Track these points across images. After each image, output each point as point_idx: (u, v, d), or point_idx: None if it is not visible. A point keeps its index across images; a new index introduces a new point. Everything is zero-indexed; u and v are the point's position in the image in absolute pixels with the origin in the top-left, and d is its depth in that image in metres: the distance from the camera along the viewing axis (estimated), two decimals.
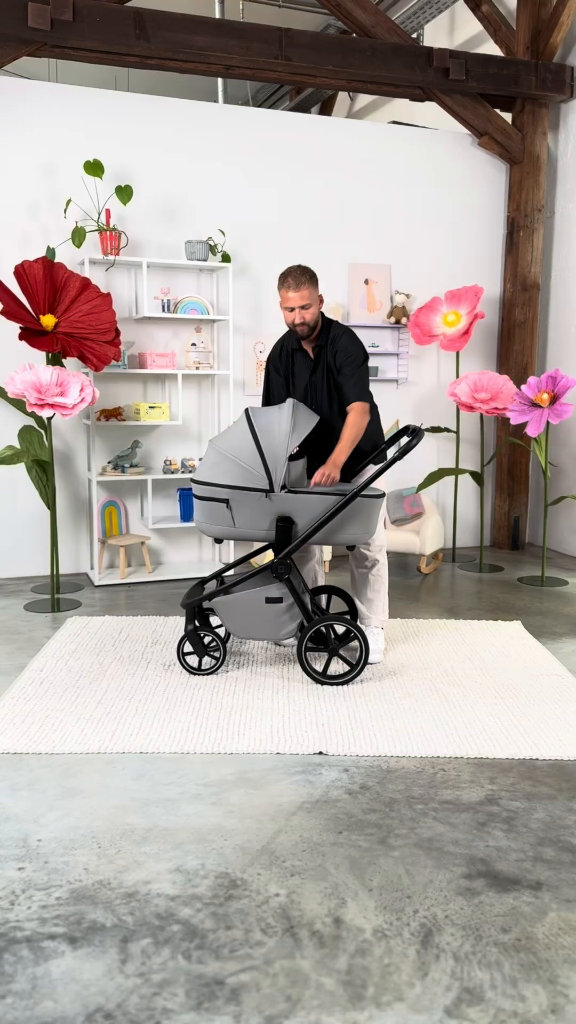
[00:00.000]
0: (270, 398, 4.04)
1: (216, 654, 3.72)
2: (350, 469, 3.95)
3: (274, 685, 3.60)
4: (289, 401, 3.60)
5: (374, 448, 3.96)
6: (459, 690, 3.57)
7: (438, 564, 5.89)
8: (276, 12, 8.10)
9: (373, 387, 6.19)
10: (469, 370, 6.43)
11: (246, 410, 3.61)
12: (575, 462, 6.17)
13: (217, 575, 3.93)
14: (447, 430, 5.79)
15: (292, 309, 3.74)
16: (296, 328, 3.79)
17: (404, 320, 6.07)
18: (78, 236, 5.00)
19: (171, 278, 5.59)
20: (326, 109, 9.62)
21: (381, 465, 3.67)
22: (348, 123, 5.97)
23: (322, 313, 3.87)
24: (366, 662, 3.64)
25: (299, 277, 3.72)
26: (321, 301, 3.79)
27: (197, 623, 3.79)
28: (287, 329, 3.93)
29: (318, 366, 3.87)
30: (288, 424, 3.52)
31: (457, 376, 5.87)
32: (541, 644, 4.20)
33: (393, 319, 6.07)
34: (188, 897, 2.15)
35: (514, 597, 5.09)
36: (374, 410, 3.94)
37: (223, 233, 5.47)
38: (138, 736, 3.07)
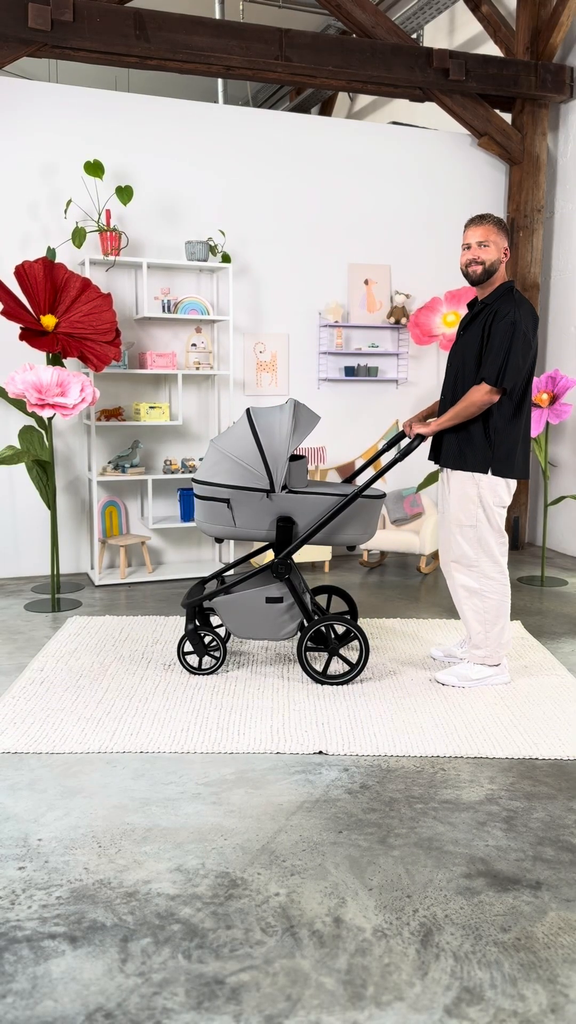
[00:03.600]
0: None
1: (216, 654, 3.72)
2: (440, 448, 3.63)
3: (274, 685, 3.60)
4: (290, 401, 3.60)
5: (483, 447, 3.50)
6: (459, 690, 3.57)
7: (438, 564, 5.89)
8: (276, 12, 8.11)
9: (373, 387, 6.19)
10: None
11: (247, 410, 3.62)
12: (575, 462, 6.17)
13: (217, 575, 3.93)
14: None
15: (468, 246, 3.48)
16: (468, 268, 3.47)
17: (404, 320, 6.07)
18: (78, 236, 5.00)
19: (171, 278, 5.59)
20: (326, 110, 9.63)
21: (383, 466, 3.66)
22: (348, 123, 5.98)
23: (512, 284, 3.51)
24: (366, 662, 3.64)
25: (485, 216, 3.49)
26: (506, 254, 3.48)
27: (197, 623, 3.79)
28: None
29: (472, 323, 3.53)
30: (289, 425, 3.52)
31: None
32: (541, 644, 4.20)
33: (393, 319, 6.07)
34: (188, 897, 2.15)
35: (514, 597, 5.09)
36: (518, 414, 3.50)
37: (223, 233, 5.47)
38: (138, 736, 3.07)
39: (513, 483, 3.57)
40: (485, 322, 3.45)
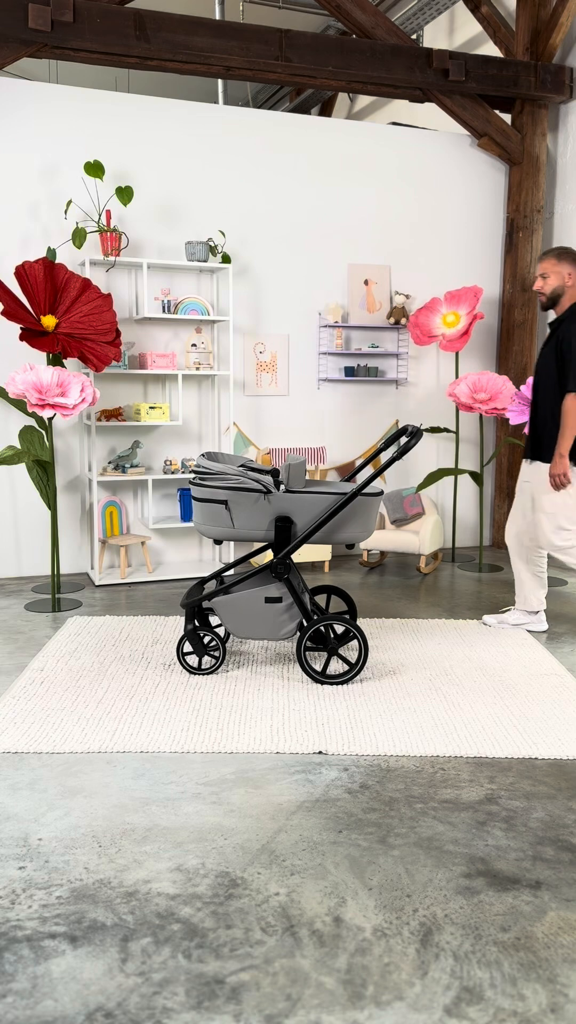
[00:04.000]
0: None
1: (216, 654, 3.72)
2: (540, 444, 4.17)
3: (274, 685, 3.61)
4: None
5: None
6: (459, 690, 3.58)
7: (438, 564, 5.89)
8: (276, 13, 8.11)
9: (373, 387, 6.20)
10: (468, 370, 6.44)
11: (203, 455, 3.79)
12: None
13: (217, 575, 3.94)
14: (446, 430, 5.80)
15: (536, 279, 4.16)
16: (539, 298, 4.26)
17: (404, 321, 6.08)
18: (78, 237, 5.01)
19: (171, 279, 5.60)
20: (326, 110, 9.63)
21: (382, 465, 3.67)
22: (348, 124, 5.98)
23: None
24: (365, 662, 3.64)
25: (546, 252, 4.12)
26: (570, 278, 4.07)
27: (197, 623, 3.79)
28: None
29: (550, 339, 4.14)
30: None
31: (456, 376, 5.88)
32: (541, 644, 4.21)
33: (393, 320, 6.07)
34: (188, 896, 2.15)
35: (514, 597, 5.10)
36: None
37: (223, 234, 5.48)
38: (138, 735, 3.08)
39: None
40: (557, 338, 4.07)
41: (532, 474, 4.22)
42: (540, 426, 4.16)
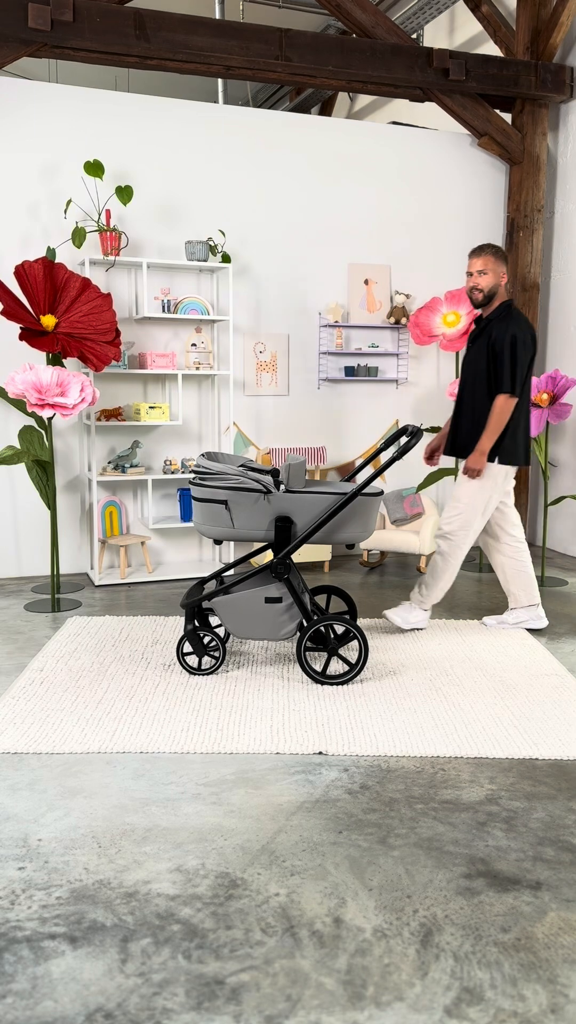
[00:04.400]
0: None
1: (216, 654, 3.72)
2: (458, 441, 4.26)
3: (274, 685, 3.60)
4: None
5: (504, 452, 4.14)
6: (459, 690, 3.57)
7: None
8: (276, 12, 8.11)
9: (373, 387, 6.19)
10: None
11: (203, 455, 3.79)
12: (575, 462, 6.17)
13: (217, 575, 3.93)
14: None
15: (471, 274, 4.10)
16: (471, 294, 4.12)
17: (404, 320, 6.07)
18: (78, 236, 5.00)
19: (171, 278, 5.59)
20: (326, 110, 9.63)
21: (381, 465, 3.68)
22: (348, 123, 5.97)
23: (511, 302, 4.14)
24: (365, 662, 3.64)
25: (484, 247, 4.09)
26: (503, 278, 4.10)
27: (197, 623, 3.79)
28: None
29: (479, 336, 4.16)
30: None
31: (457, 376, 5.88)
32: (541, 644, 4.20)
33: (393, 319, 6.07)
34: (188, 897, 2.15)
35: None
36: (517, 411, 4.13)
37: (223, 233, 5.47)
38: (138, 736, 3.07)
39: (513, 470, 4.20)
40: (489, 337, 4.07)
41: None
42: (465, 424, 4.20)
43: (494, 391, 4.08)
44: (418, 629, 4.38)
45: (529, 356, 4.05)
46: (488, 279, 4.06)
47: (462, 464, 4.27)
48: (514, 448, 4.12)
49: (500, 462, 4.10)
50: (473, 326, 4.26)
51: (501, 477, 4.14)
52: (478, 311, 4.20)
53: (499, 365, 4.02)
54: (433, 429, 5.60)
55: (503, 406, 4.02)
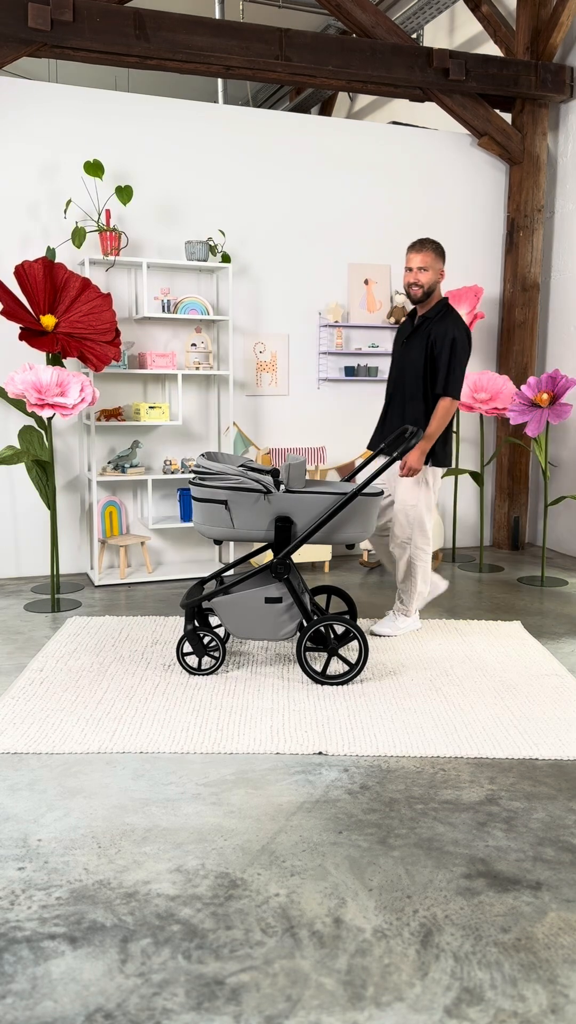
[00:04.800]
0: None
1: (215, 654, 3.72)
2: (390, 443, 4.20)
3: (274, 685, 3.60)
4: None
5: (436, 453, 4.15)
6: (459, 690, 3.57)
7: (438, 564, 5.89)
8: (276, 12, 8.11)
9: (373, 387, 6.19)
10: (469, 370, 6.43)
11: (203, 455, 3.78)
12: (575, 462, 6.17)
13: (217, 575, 3.93)
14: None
15: (410, 269, 4.04)
16: (410, 289, 4.07)
17: (404, 320, 6.07)
18: (78, 236, 5.00)
19: (171, 278, 5.59)
20: (326, 109, 9.63)
21: (380, 465, 3.68)
22: (348, 123, 5.97)
23: (447, 300, 4.14)
24: (365, 662, 3.64)
25: (425, 243, 4.04)
26: (442, 275, 4.08)
27: (196, 623, 3.79)
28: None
29: (415, 334, 4.14)
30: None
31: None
32: (541, 644, 4.20)
33: (393, 319, 6.07)
34: (188, 897, 2.15)
35: (514, 597, 5.09)
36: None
37: (223, 233, 5.47)
38: (138, 736, 3.07)
39: (441, 471, 4.25)
40: (427, 337, 4.06)
41: (388, 474, 4.27)
42: (396, 421, 4.19)
43: (434, 392, 4.08)
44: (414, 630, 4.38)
45: (467, 358, 4.09)
46: (429, 275, 4.02)
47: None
48: (445, 451, 4.17)
49: (433, 464, 4.14)
50: (405, 321, 4.26)
51: (437, 476, 4.21)
52: (417, 305, 4.18)
53: (440, 367, 4.02)
54: None
55: (448, 409, 4.03)
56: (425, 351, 4.06)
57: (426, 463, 4.12)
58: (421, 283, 4.03)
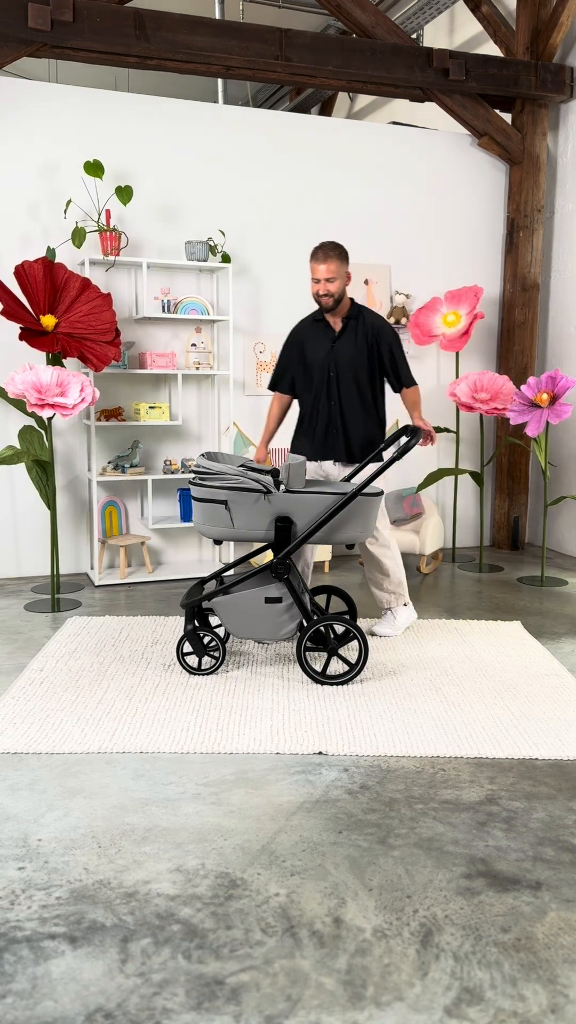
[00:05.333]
0: (277, 373, 4.30)
1: (215, 654, 3.72)
2: (349, 446, 4.20)
3: (274, 685, 3.60)
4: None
5: (374, 445, 4.22)
6: (459, 690, 3.57)
7: (438, 564, 5.89)
8: (276, 12, 8.11)
9: None
10: (469, 370, 6.43)
11: (203, 455, 3.76)
12: (575, 462, 6.17)
13: (217, 575, 3.93)
14: (447, 430, 5.79)
15: (318, 280, 4.00)
16: (321, 299, 4.03)
17: (404, 320, 6.07)
18: (78, 236, 5.00)
19: (171, 278, 5.59)
20: (326, 110, 9.63)
21: (380, 465, 3.68)
22: (348, 123, 5.97)
23: (351, 298, 4.15)
24: (365, 662, 3.64)
25: (328, 252, 3.96)
26: (348, 278, 4.03)
27: (196, 623, 3.79)
28: (303, 316, 4.34)
29: (343, 336, 4.11)
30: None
31: (457, 376, 5.88)
32: (541, 644, 4.20)
33: (393, 319, 6.07)
34: (188, 897, 2.15)
35: (514, 597, 5.10)
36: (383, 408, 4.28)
37: (223, 233, 5.47)
38: (138, 736, 3.07)
39: None
40: (363, 336, 4.09)
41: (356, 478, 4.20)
42: (351, 427, 4.13)
43: (399, 386, 4.15)
44: (413, 622, 4.39)
45: None
46: (337, 284, 3.99)
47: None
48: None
49: None
50: (314, 326, 4.17)
51: None
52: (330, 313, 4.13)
53: (397, 361, 4.12)
54: (434, 429, 5.59)
55: (419, 395, 4.18)
56: (366, 350, 4.09)
57: None
58: (331, 293, 3.99)
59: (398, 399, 6.26)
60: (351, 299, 4.16)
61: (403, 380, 4.16)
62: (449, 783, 2.77)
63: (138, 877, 2.23)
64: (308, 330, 4.20)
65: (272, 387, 4.31)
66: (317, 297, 4.03)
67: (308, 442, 4.24)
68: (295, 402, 6.04)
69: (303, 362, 4.20)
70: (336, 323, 4.13)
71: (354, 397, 4.12)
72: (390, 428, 6.20)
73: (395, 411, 6.27)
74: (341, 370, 4.12)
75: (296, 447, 4.29)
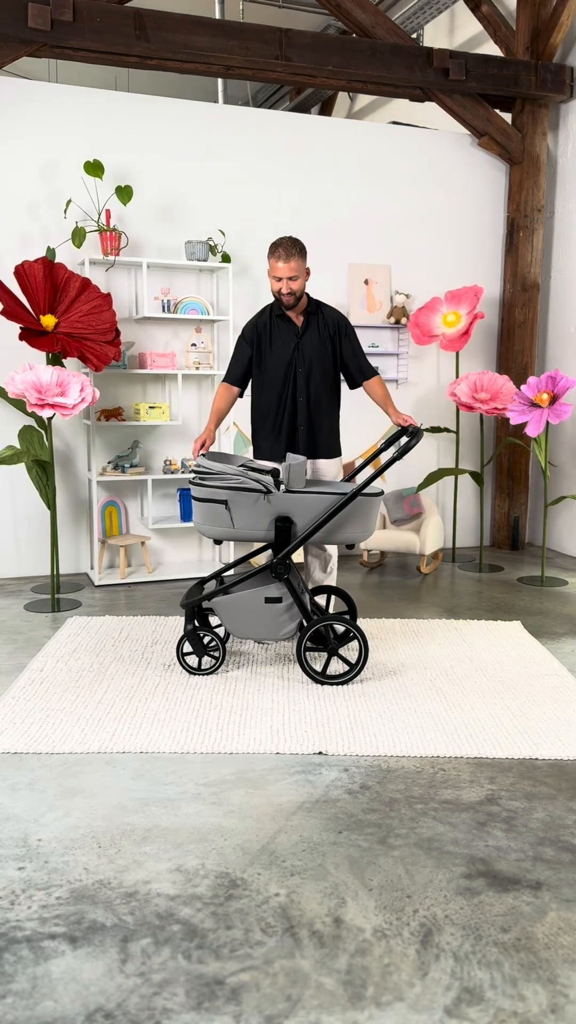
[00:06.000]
0: (236, 368, 4.14)
1: (215, 654, 3.72)
2: (314, 441, 4.14)
3: (274, 685, 3.60)
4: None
5: (336, 441, 4.23)
6: (459, 690, 3.57)
7: (438, 564, 5.89)
8: (276, 12, 8.11)
9: None
10: (469, 370, 6.43)
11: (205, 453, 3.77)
12: (575, 462, 6.17)
13: (217, 575, 3.93)
14: (447, 430, 5.79)
15: (280, 279, 3.92)
16: (283, 297, 3.97)
17: (404, 320, 6.07)
18: (78, 236, 5.00)
19: (171, 278, 5.59)
20: (326, 109, 9.63)
21: (381, 465, 3.68)
22: (348, 123, 5.97)
23: (307, 293, 4.10)
24: (365, 662, 3.64)
25: (290, 249, 3.88)
26: (308, 274, 3.97)
27: (196, 623, 3.79)
28: (259, 309, 4.26)
29: (307, 331, 4.06)
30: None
31: (457, 376, 5.88)
32: (541, 644, 4.20)
33: (393, 319, 6.07)
34: (188, 897, 2.15)
35: (514, 597, 5.10)
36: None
37: (223, 233, 5.47)
38: (138, 736, 3.07)
39: None
40: (326, 328, 4.06)
41: (321, 471, 4.16)
42: (316, 422, 4.09)
43: (364, 376, 4.11)
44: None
45: None
46: (300, 282, 3.93)
47: (326, 468, 4.23)
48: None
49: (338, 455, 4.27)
50: (273, 321, 4.08)
51: None
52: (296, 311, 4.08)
53: (357, 352, 4.10)
54: (433, 429, 5.60)
55: (384, 385, 4.13)
56: (329, 343, 4.06)
57: (339, 455, 4.21)
58: (294, 291, 3.94)
59: (396, 402, 6.26)
60: (307, 293, 4.10)
61: (365, 371, 4.11)
62: (449, 783, 2.77)
63: (138, 877, 2.23)
64: (268, 326, 4.09)
65: (227, 380, 4.15)
66: (278, 295, 3.96)
67: (272, 441, 4.12)
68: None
69: (261, 358, 4.09)
70: (298, 319, 4.07)
71: (321, 392, 4.07)
72: (389, 428, 6.20)
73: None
74: (308, 365, 4.06)
75: (260, 449, 4.17)
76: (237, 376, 4.14)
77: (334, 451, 4.19)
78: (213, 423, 4.09)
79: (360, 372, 4.12)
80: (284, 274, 3.90)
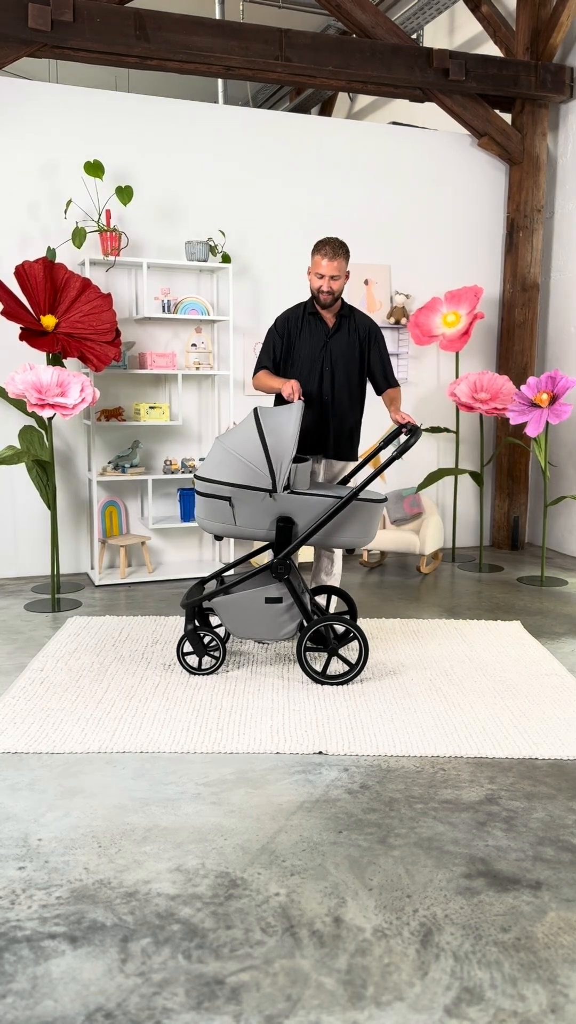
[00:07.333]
0: (267, 357, 4.15)
1: (216, 654, 3.72)
2: (334, 442, 4.19)
3: (274, 685, 3.60)
4: (298, 403, 3.59)
5: (355, 442, 4.29)
6: (459, 690, 3.57)
7: (438, 564, 5.89)
8: (276, 13, 8.11)
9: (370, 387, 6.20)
10: (469, 370, 6.43)
11: (255, 409, 3.62)
12: (574, 462, 6.18)
13: (217, 575, 3.93)
14: (447, 430, 5.80)
15: (322, 276, 3.95)
16: (321, 295, 4.00)
17: (404, 320, 6.07)
18: (78, 237, 5.00)
19: (171, 278, 5.59)
20: (326, 110, 9.63)
21: (380, 465, 3.67)
22: (348, 124, 5.98)
23: (342, 297, 4.17)
24: (365, 662, 3.64)
25: (337, 249, 3.94)
26: (347, 277, 4.02)
27: (197, 623, 3.79)
28: (293, 305, 4.37)
29: (338, 332, 4.11)
30: (295, 426, 3.52)
31: (457, 376, 5.88)
32: (541, 644, 4.20)
33: (393, 319, 6.07)
34: (188, 897, 2.15)
35: (514, 597, 5.10)
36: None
37: (223, 234, 5.47)
38: (138, 736, 3.07)
39: None
40: (356, 333, 4.12)
41: (335, 471, 4.21)
42: (339, 423, 4.13)
43: (387, 384, 4.16)
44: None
45: None
46: (340, 283, 3.97)
47: (342, 469, 4.28)
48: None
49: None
50: (305, 319, 4.09)
51: None
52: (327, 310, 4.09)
53: (385, 360, 4.15)
54: (433, 429, 5.60)
55: (399, 393, 4.20)
56: (358, 349, 4.11)
57: (356, 458, 4.25)
58: (334, 291, 3.97)
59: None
60: (342, 298, 4.16)
61: (390, 380, 4.19)
62: (449, 783, 2.77)
63: (138, 877, 2.23)
64: (300, 322, 4.12)
65: (263, 366, 4.13)
66: (317, 292, 3.98)
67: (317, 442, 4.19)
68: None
69: (290, 352, 4.13)
70: (330, 319, 4.11)
71: (344, 394, 4.12)
72: (389, 428, 6.20)
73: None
74: (335, 366, 4.11)
75: None
76: (269, 364, 4.16)
77: (352, 454, 4.22)
78: (279, 379, 4.03)
79: (386, 380, 4.18)
80: (328, 272, 3.92)
